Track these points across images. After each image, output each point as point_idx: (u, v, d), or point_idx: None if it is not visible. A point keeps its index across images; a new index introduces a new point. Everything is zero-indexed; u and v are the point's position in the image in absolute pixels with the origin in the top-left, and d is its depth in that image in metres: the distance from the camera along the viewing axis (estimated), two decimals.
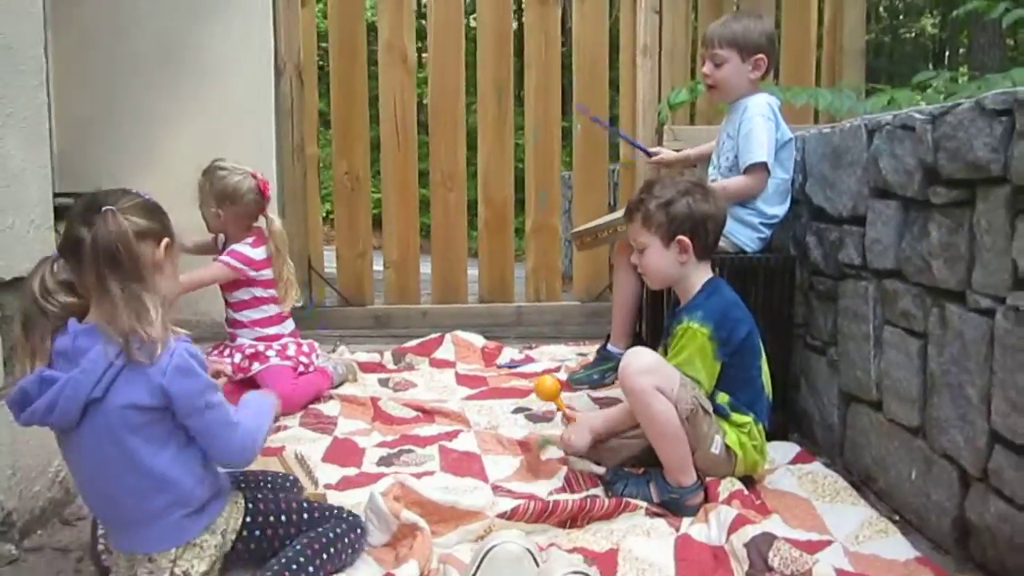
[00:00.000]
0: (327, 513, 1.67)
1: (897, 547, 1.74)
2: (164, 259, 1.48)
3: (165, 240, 1.48)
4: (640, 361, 1.93)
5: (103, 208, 1.39)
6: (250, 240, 2.86)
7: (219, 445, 1.49)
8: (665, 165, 3.09)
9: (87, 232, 1.38)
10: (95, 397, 1.38)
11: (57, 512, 1.93)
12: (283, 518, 1.60)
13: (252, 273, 2.85)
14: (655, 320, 2.78)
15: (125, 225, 1.39)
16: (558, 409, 2.32)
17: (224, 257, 2.83)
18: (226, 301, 2.94)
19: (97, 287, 1.39)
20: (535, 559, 1.49)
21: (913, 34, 15.38)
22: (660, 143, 3.74)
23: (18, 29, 1.83)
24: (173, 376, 1.40)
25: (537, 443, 2.22)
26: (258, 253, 2.86)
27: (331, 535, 1.60)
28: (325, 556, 1.56)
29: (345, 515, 1.68)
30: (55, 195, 2.02)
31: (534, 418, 2.61)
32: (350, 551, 1.63)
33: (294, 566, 1.50)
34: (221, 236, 2.96)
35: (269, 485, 1.76)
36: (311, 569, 1.52)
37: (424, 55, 4.30)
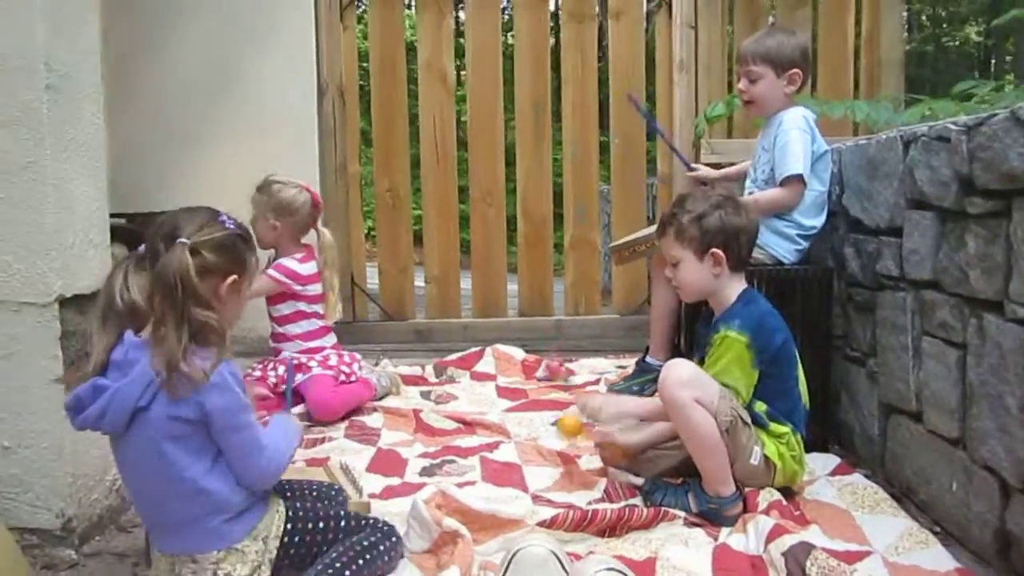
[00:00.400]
0: (363, 523, 1.70)
1: (938, 558, 1.74)
2: (227, 294, 1.55)
3: (232, 277, 1.55)
4: (679, 373, 1.95)
5: (178, 240, 1.47)
6: (299, 256, 2.95)
7: (242, 466, 1.53)
8: (702, 182, 3.11)
9: (162, 249, 1.47)
10: (141, 406, 1.45)
11: (114, 519, 2.01)
12: (321, 525, 1.64)
13: (297, 287, 2.93)
14: (693, 332, 2.80)
15: (188, 262, 1.46)
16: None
17: (269, 270, 2.91)
18: (270, 315, 3.03)
19: (153, 311, 1.47)
20: (561, 562, 1.50)
21: (957, 43, 15.16)
22: (697, 157, 3.76)
23: (77, 58, 1.92)
24: (209, 393, 1.46)
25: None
26: (305, 268, 2.95)
27: (365, 543, 1.63)
28: (360, 562, 1.59)
29: (380, 525, 1.71)
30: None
31: None
32: (385, 558, 1.67)
33: (331, 571, 1.55)
34: (271, 252, 3.04)
35: (314, 494, 1.81)
36: (347, 574, 1.56)
37: (463, 74, 4.38)
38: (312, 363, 2.91)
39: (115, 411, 1.45)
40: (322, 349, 2.99)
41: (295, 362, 2.91)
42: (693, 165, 3.17)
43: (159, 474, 1.48)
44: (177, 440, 1.47)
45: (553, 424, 2.68)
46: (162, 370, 1.42)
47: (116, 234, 2.22)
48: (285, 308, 2.98)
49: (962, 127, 1.80)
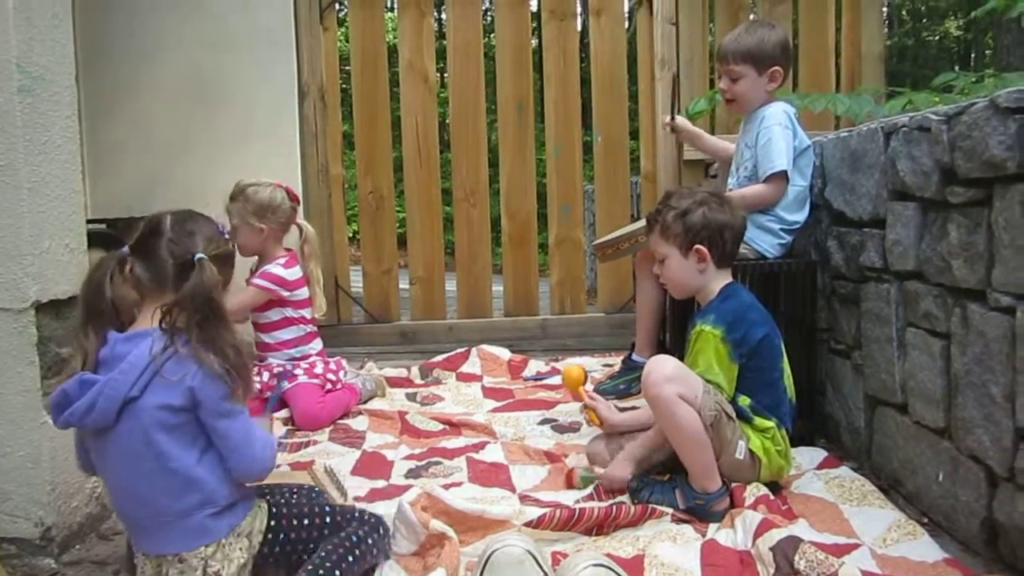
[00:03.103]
0: (349, 516, 1.69)
1: (926, 549, 1.73)
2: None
3: (228, 285, 1.62)
4: (662, 370, 1.94)
5: (198, 257, 1.50)
6: (282, 260, 2.91)
7: (238, 454, 1.51)
8: (674, 129, 3.06)
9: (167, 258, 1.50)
10: (132, 396, 1.44)
11: (94, 527, 1.98)
12: (306, 522, 1.63)
13: (285, 293, 2.89)
14: (679, 329, 2.79)
15: (217, 278, 1.50)
16: (577, 400, 2.39)
17: (256, 279, 2.86)
18: (255, 323, 2.98)
19: (191, 326, 1.47)
20: (537, 561, 1.49)
21: (937, 37, 15.26)
22: (680, 154, 3.76)
23: (51, 61, 1.89)
24: (202, 379, 1.46)
25: (578, 482, 2.19)
26: (291, 273, 2.90)
27: (354, 539, 1.62)
28: (351, 559, 1.58)
29: (367, 517, 1.70)
30: (87, 221, 2.09)
31: (560, 429, 2.64)
32: (375, 551, 1.66)
33: (321, 572, 1.53)
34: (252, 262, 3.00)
35: (295, 494, 1.79)
36: (338, 573, 1.54)
37: (445, 75, 4.37)
38: (298, 371, 2.88)
39: (105, 403, 1.43)
40: (308, 356, 2.96)
41: (280, 370, 2.88)
42: (675, 118, 3.10)
43: (148, 466, 1.47)
44: (167, 430, 1.47)
45: (542, 423, 2.67)
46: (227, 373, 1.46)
47: (97, 240, 2.19)
48: (272, 315, 2.93)
49: (942, 116, 1.80)
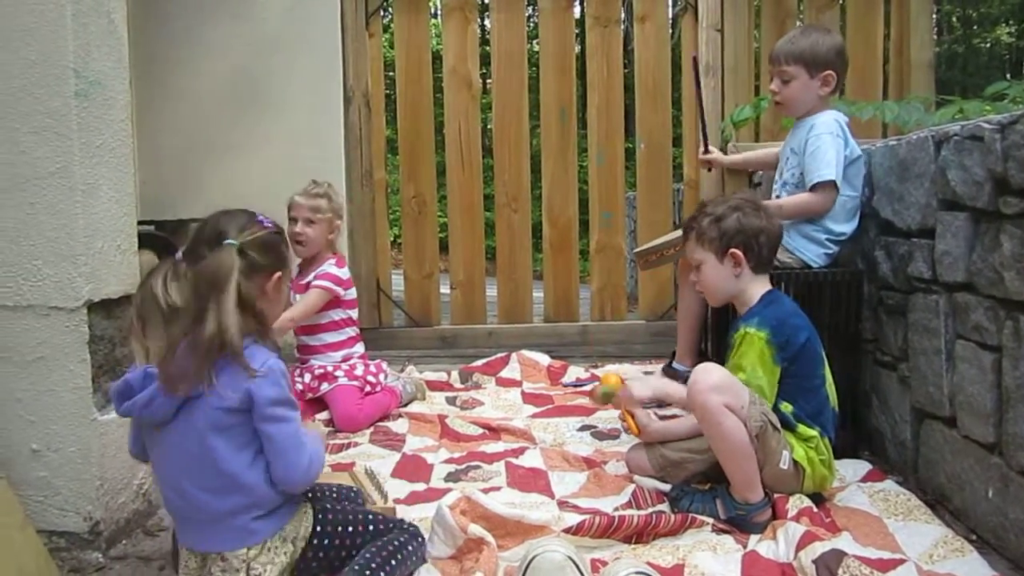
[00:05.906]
0: (390, 524, 1.72)
1: (974, 567, 1.70)
2: (272, 291, 1.60)
3: (277, 274, 1.60)
4: (708, 379, 1.92)
5: (225, 241, 1.51)
6: (333, 260, 2.97)
7: (284, 461, 1.51)
8: (711, 165, 3.19)
9: (207, 252, 1.51)
10: (192, 395, 1.46)
11: (140, 523, 2.02)
12: (350, 528, 1.66)
13: (341, 293, 2.95)
14: (720, 337, 2.76)
15: (235, 263, 1.50)
16: (616, 408, 2.41)
17: (319, 282, 2.91)
18: (300, 326, 2.99)
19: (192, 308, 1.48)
20: (578, 566, 1.49)
21: (988, 44, 14.95)
22: None
23: (107, 66, 1.94)
24: (259, 381, 1.47)
25: (599, 396, 2.27)
26: (344, 273, 2.98)
27: (395, 544, 1.65)
28: (393, 562, 1.61)
29: (406, 526, 1.74)
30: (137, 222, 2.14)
31: (600, 435, 2.63)
32: (414, 558, 1.69)
33: (367, 572, 1.55)
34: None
35: (334, 495, 1.81)
36: (383, 575, 1.57)
37: (488, 80, 4.39)
38: (338, 372, 2.91)
39: (165, 398, 1.46)
40: (349, 358, 2.99)
41: (321, 371, 2.91)
42: (710, 148, 3.17)
43: (198, 466, 1.49)
44: (222, 432, 1.48)
45: (581, 430, 2.66)
46: (198, 366, 1.44)
47: (145, 241, 2.25)
48: (319, 317, 2.96)
49: (996, 125, 1.76)
